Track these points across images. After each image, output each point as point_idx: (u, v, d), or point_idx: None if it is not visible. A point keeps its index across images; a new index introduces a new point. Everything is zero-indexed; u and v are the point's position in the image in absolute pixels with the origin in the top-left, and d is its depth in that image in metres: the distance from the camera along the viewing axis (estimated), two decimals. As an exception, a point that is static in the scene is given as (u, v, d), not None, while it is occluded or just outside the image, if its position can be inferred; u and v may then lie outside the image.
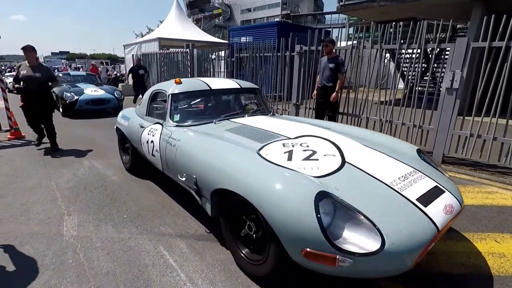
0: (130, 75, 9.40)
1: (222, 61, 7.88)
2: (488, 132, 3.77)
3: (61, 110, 7.66)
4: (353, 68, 5.04)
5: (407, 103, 4.48)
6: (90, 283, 1.88)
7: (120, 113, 3.87)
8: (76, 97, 7.48)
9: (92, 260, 2.09)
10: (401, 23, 4.50)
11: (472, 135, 3.88)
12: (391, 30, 4.53)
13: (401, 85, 6.47)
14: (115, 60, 44.76)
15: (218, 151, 2.10)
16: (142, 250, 2.21)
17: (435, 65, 8.20)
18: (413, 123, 4.45)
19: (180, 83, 2.99)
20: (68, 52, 74.65)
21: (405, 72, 6.42)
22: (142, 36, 26.63)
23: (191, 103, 3.19)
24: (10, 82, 14.99)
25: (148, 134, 2.90)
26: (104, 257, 2.12)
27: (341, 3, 9.88)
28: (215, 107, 3.24)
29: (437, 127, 4.14)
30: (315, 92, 5.25)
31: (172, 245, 2.26)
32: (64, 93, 7.52)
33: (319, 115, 5.20)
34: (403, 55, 5.13)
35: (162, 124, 2.82)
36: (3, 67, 29.88)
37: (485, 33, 3.60)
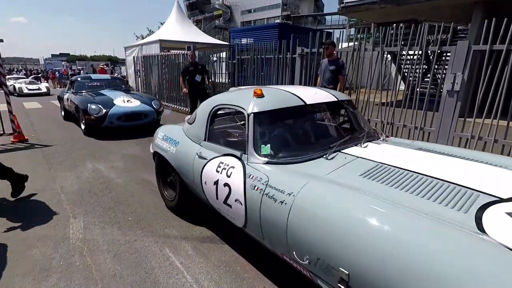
0: (183, 80, 6.68)
1: (224, 63, 7.92)
2: (489, 134, 3.79)
3: (83, 127, 6.04)
4: (354, 70, 5.08)
5: (408, 105, 4.51)
6: (98, 285, 1.91)
7: (160, 132, 2.89)
8: (104, 110, 5.62)
9: (99, 262, 2.12)
10: (401, 24, 4.54)
11: (473, 137, 3.90)
12: (392, 32, 4.57)
13: (402, 86, 6.51)
14: (115, 62, 44.96)
15: (391, 227, 1.17)
16: (148, 252, 2.23)
17: (436, 66, 8.24)
18: (414, 125, 4.47)
19: (262, 95, 2.09)
20: (69, 54, 74.84)
21: (406, 74, 6.46)
22: (143, 38, 26.71)
23: (282, 126, 2.27)
24: (10, 85, 15.05)
25: (217, 171, 2.00)
26: (110, 260, 2.14)
27: (342, 5, 9.92)
28: (313, 130, 2.40)
29: (438, 129, 4.17)
30: None
31: (177, 247, 2.29)
32: (88, 105, 5.67)
33: (320, 117, 5.24)
34: (404, 57, 5.17)
35: (240, 158, 1.93)
36: (8, 70, 30.05)
37: (486, 36, 3.63)
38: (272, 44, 6.51)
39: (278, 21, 36.62)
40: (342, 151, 1.99)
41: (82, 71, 27.13)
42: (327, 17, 43.04)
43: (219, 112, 2.41)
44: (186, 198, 2.63)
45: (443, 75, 4.41)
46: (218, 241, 2.38)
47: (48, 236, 2.45)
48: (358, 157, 1.90)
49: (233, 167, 1.91)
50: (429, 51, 4.63)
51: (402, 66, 5.21)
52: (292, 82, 6.03)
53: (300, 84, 5.85)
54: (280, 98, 2.21)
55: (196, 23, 39.62)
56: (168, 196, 2.92)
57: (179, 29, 13.10)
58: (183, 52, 8.67)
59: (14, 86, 14.68)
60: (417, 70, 4.59)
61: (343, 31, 6.84)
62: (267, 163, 1.83)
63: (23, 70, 31.17)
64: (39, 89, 15.01)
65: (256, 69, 6.88)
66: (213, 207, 2.18)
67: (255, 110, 1.98)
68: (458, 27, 11.89)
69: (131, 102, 6.13)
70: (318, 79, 5.19)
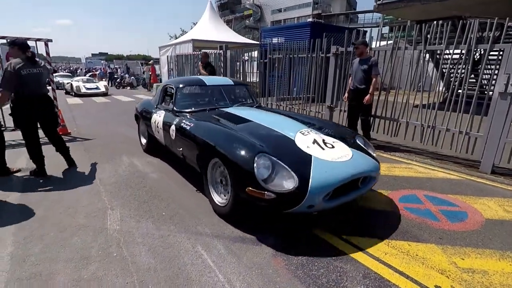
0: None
1: (255, 62, 7.91)
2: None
3: (221, 201, 2.69)
4: (394, 69, 4.82)
5: (450, 108, 4.19)
6: (133, 277, 1.95)
7: None
8: (297, 179, 2.16)
9: (135, 255, 2.18)
10: (441, 21, 4.23)
11: (529, 144, 3.54)
12: (435, 29, 4.27)
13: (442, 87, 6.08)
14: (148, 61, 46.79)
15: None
16: (181, 248, 2.26)
17: (479, 66, 7.61)
18: (459, 129, 4.15)
19: None
20: (107, 53, 79.58)
21: (450, 74, 6.01)
22: (176, 38, 27.57)
23: None
24: (68, 83, 14.51)
25: None
26: (145, 253, 2.19)
27: (378, 2, 9.51)
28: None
29: (487, 134, 3.83)
30: (346, 95, 5.12)
31: (209, 245, 2.29)
32: (256, 160, 2.23)
33: (351, 118, 5.04)
34: (447, 56, 4.81)
35: None
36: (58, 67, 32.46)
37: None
38: (305, 43, 6.39)
39: (309, 19, 36.06)
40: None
41: (119, 70, 28.54)
42: (360, 15, 41.66)
43: None
44: None
45: (489, 76, 4.04)
46: (249, 242, 2.35)
47: (88, 225, 2.56)
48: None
49: None
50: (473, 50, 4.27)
51: (445, 66, 4.86)
52: (325, 82, 5.87)
53: (334, 84, 5.67)
54: None
55: (227, 23, 40.14)
56: None
57: (211, 28, 13.33)
58: (215, 51, 8.80)
59: (71, 85, 13.94)
60: (463, 70, 4.25)
61: (380, 29, 6.51)
62: None
63: (69, 69, 33.40)
64: (97, 88, 14.01)
65: (288, 68, 6.79)
66: None
67: None
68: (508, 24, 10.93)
69: (333, 147, 2.64)
70: (350, 79, 5.00)
